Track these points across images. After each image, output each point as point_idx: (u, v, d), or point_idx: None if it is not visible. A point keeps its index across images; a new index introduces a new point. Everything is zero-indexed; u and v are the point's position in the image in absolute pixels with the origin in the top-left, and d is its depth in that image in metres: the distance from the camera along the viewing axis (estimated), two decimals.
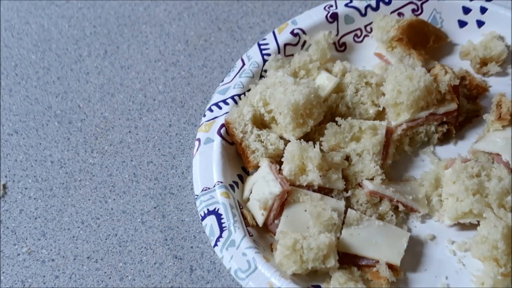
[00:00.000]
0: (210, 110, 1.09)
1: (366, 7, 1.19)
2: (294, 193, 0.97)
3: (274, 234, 0.97)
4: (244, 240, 0.94)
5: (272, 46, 1.16)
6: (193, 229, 1.06)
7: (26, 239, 1.07)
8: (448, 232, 0.99)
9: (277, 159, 1.03)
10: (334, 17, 1.19)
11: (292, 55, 1.16)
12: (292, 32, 1.17)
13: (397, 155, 1.07)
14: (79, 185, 1.12)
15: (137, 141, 1.18)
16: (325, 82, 1.10)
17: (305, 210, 0.95)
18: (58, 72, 1.29)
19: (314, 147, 1.01)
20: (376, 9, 1.19)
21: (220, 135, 1.05)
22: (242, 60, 1.15)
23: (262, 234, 0.99)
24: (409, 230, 0.99)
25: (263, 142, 1.04)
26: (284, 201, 0.97)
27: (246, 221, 0.98)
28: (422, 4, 1.18)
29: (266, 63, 1.14)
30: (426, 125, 1.06)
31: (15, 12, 1.39)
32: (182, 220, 1.07)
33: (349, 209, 0.98)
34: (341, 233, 0.95)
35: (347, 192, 1.02)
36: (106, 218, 1.08)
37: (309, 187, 0.99)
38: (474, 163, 0.98)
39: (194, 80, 1.25)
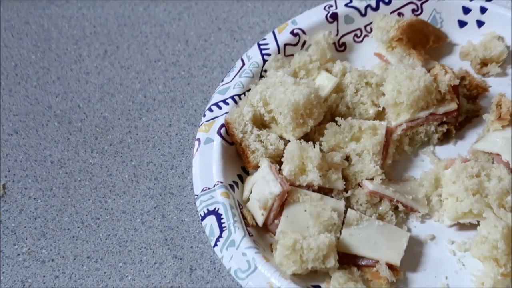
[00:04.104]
0: (210, 110, 1.09)
1: (366, 7, 1.19)
2: (294, 193, 0.97)
3: (274, 234, 0.97)
4: (244, 240, 0.94)
5: (272, 46, 1.16)
6: (193, 229, 1.06)
7: (26, 239, 1.07)
8: (448, 232, 0.99)
9: (277, 159, 1.03)
10: (334, 17, 1.19)
11: (292, 55, 1.16)
12: (292, 32, 1.17)
13: (397, 155, 1.07)
14: (79, 185, 1.12)
15: (137, 141, 1.18)
16: (325, 82, 1.10)
17: (305, 210, 0.95)
18: (58, 72, 1.29)
19: (314, 147, 1.01)
20: (376, 9, 1.19)
21: (220, 135, 1.05)
22: (242, 60, 1.15)
23: (262, 234, 0.99)
24: (409, 230, 0.99)
25: (263, 142, 1.04)
26: (284, 201, 0.97)
27: (246, 221, 0.98)
28: (422, 4, 1.18)
29: (266, 63, 1.14)
30: (426, 125, 1.06)
31: (15, 12, 1.39)
32: (182, 220, 1.07)
33: (349, 209, 0.98)
34: (341, 233, 0.95)
35: (347, 192, 1.02)
36: (106, 218, 1.08)
37: (309, 187, 0.99)
38: (474, 163, 0.98)
39: (194, 80, 1.25)
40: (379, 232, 0.95)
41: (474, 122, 1.10)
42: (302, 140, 1.02)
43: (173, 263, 1.02)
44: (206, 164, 1.03)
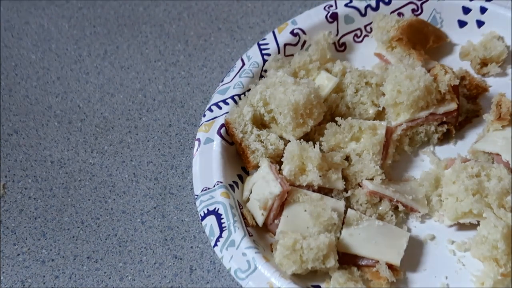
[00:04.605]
0: (210, 110, 1.09)
1: (366, 7, 1.19)
2: (294, 193, 0.97)
3: (274, 234, 0.97)
4: (244, 240, 0.94)
5: (272, 46, 1.16)
6: (193, 229, 1.06)
7: (26, 239, 1.07)
8: (448, 232, 0.99)
9: (277, 159, 1.03)
10: (334, 17, 1.19)
11: (292, 55, 1.16)
12: (292, 32, 1.17)
13: (397, 155, 1.07)
14: (79, 185, 1.12)
15: (137, 141, 1.18)
16: (325, 82, 1.10)
17: (305, 210, 0.95)
18: (58, 72, 1.29)
19: (314, 147, 1.01)
20: (376, 9, 1.19)
21: (220, 135, 1.05)
22: (242, 60, 1.15)
23: (262, 234, 0.99)
24: (409, 230, 0.99)
25: (263, 142, 1.04)
26: (284, 201, 0.97)
27: (246, 221, 0.98)
28: (422, 4, 1.18)
29: (266, 63, 1.14)
30: (426, 125, 1.06)
31: (15, 12, 1.39)
32: (182, 220, 1.07)
33: (349, 209, 0.98)
34: (341, 233, 0.95)
35: (347, 192, 1.02)
36: (106, 218, 1.08)
37: (309, 187, 0.99)
38: (474, 163, 0.98)
39: (194, 80, 1.25)
40: (379, 232, 0.95)
41: (474, 122, 1.10)
42: (302, 140, 1.02)
43: (173, 263, 1.02)
44: (206, 164, 1.03)
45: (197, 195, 1.00)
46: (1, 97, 1.25)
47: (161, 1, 1.39)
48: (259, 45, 1.16)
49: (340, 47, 1.21)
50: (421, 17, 1.18)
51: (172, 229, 1.06)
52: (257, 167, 1.02)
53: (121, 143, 1.18)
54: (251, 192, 1.01)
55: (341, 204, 0.98)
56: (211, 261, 1.02)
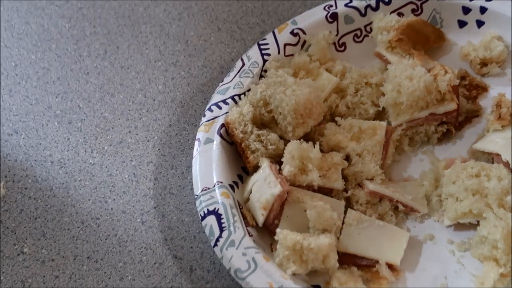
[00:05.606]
0: (210, 110, 1.09)
1: (366, 7, 1.19)
2: (294, 193, 0.97)
3: (274, 234, 0.97)
4: (244, 240, 0.94)
5: (272, 46, 1.16)
6: (193, 229, 1.06)
7: (26, 239, 1.07)
8: (447, 232, 0.99)
9: (277, 159, 1.03)
10: (334, 17, 1.19)
11: (292, 55, 1.16)
12: (292, 32, 1.17)
13: (397, 155, 1.07)
14: (79, 185, 1.12)
15: (137, 141, 1.18)
16: (325, 82, 1.10)
17: (305, 210, 0.95)
18: (58, 72, 1.29)
19: (314, 147, 1.01)
20: (376, 9, 1.19)
21: (220, 135, 1.06)
22: (242, 60, 1.15)
23: (262, 234, 0.99)
24: (408, 230, 0.99)
25: (263, 142, 1.04)
26: (284, 201, 0.97)
27: (246, 221, 0.98)
28: (422, 4, 1.18)
29: (266, 63, 1.14)
30: (426, 125, 1.06)
31: (15, 12, 1.39)
32: (182, 220, 1.07)
33: (349, 209, 0.98)
34: (341, 233, 0.95)
35: (347, 192, 1.02)
36: (106, 218, 1.08)
37: (309, 187, 0.99)
38: (473, 163, 0.98)
39: (194, 80, 1.25)
40: (379, 232, 0.95)
41: (474, 122, 1.10)
42: (302, 140, 1.02)
43: (173, 263, 1.02)
44: (206, 164, 1.03)
45: (197, 195, 1.00)
46: (1, 97, 1.25)
47: (161, 1, 1.39)
48: (259, 45, 1.16)
49: (340, 47, 1.21)
50: (421, 17, 1.18)
51: (172, 229, 1.06)
52: (257, 167, 1.02)
53: (121, 143, 1.18)
54: (251, 192, 1.01)
55: (341, 204, 0.98)
56: (211, 261, 1.02)
